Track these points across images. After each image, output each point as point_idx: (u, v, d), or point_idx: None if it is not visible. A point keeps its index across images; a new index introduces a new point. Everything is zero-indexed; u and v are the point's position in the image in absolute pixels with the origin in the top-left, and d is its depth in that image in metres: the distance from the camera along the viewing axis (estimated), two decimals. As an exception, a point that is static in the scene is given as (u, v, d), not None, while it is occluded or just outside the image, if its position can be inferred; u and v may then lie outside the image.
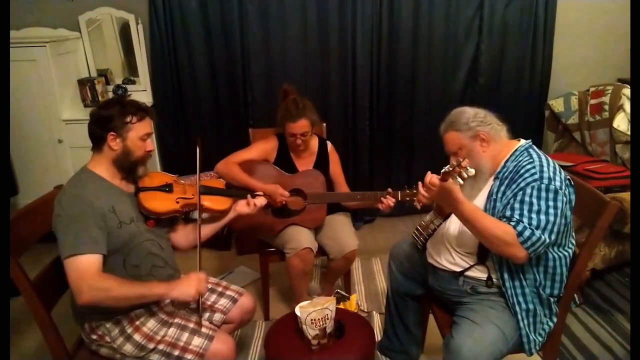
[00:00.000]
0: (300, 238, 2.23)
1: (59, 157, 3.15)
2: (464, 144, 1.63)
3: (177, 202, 1.73)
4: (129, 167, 1.64)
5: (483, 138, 1.62)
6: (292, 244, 2.23)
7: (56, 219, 1.50)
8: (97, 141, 1.61)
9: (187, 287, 1.58)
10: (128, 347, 1.59)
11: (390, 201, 2.19)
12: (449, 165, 1.43)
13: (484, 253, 1.61)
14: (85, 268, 1.44)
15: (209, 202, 1.82)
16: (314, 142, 2.45)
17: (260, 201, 1.96)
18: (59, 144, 3.12)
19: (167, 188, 1.73)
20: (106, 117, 1.58)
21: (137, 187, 1.68)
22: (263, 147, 2.39)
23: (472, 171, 1.40)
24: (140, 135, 1.62)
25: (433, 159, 3.54)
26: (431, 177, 1.54)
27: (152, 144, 1.68)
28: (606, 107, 2.94)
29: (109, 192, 1.60)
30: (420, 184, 1.66)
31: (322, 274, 2.91)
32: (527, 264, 1.55)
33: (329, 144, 2.49)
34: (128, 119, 1.59)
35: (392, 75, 3.38)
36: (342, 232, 2.35)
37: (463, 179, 1.41)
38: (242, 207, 1.93)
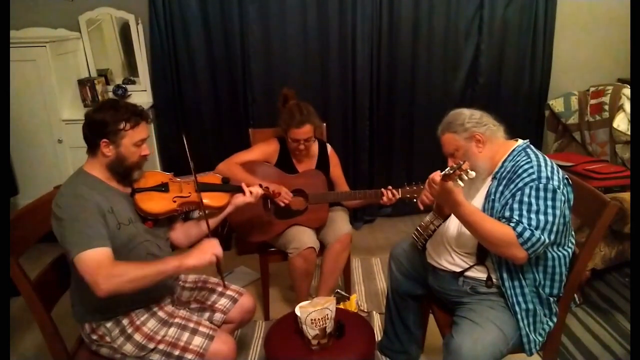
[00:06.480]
0: (303, 238, 2.24)
1: (59, 157, 3.15)
2: (460, 145, 1.64)
3: (174, 202, 1.71)
4: (123, 172, 1.61)
5: (478, 139, 1.63)
6: (295, 244, 2.23)
7: (57, 222, 1.48)
8: (91, 145, 1.58)
9: (201, 253, 1.57)
10: (128, 347, 1.59)
11: (391, 193, 2.22)
12: (449, 168, 1.44)
13: (483, 253, 1.62)
14: (97, 261, 1.42)
15: (206, 198, 1.79)
16: (314, 146, 2.45)
17: (257, 189, 1.94)
18: (59, 144, 3.12)
19: (163, 188, 1.71)
20: (99, 123, 1.53)
21: (132, 188, 1.65)
22: (265, 150, 2.39)
23: (472, 174, 1.40)
24: (135, 142, 1.58)
25: (433, 159, 3.52)
26: (434, 175, 1.57)
27: (147, 149, 1.64)
28: (606, 107, 2.94)
29: (106, 193, 1.58)
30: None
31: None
32: (527, 263, 1.55)
33: (329, 147, 2.50)
34: (121, 126, 1.54)
35: (392, 75, 3.38)
36: (335, 220, 2.39)
37: (463, 181, 1.41)
38: (240, 197, 1.90)
